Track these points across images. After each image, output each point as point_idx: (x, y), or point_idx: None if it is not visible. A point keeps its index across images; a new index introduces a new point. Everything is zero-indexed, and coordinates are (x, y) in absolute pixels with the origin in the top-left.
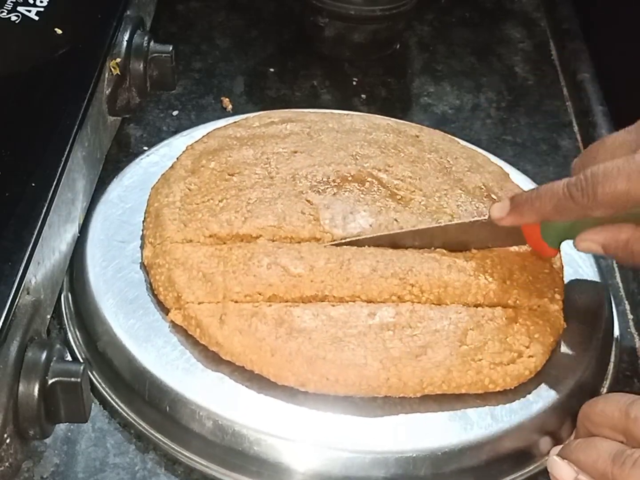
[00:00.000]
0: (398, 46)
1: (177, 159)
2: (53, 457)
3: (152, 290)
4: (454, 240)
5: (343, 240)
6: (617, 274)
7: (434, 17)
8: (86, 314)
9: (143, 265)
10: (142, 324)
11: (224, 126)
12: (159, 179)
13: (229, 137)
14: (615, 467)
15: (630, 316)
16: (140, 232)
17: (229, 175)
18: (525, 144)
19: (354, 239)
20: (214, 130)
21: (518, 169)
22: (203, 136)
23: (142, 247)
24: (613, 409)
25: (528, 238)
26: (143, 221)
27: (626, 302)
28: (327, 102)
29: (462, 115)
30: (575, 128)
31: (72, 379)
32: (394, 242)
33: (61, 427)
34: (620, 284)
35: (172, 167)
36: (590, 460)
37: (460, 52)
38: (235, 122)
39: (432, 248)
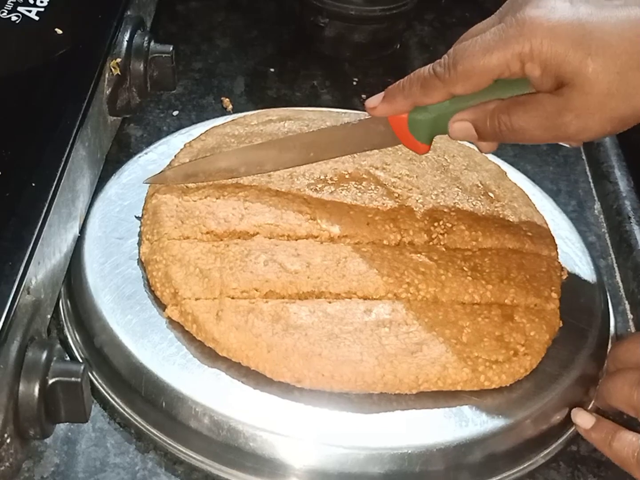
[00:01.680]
0: (398, 46)
1: (175, 156)
2: (53, 457)
3: (149, 286)
4: (328, 148)
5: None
6: (617, 274)
7: (434, 17)
8: (83, 310)
9: (140, 262)
10: (139, 320)
11: (222, 124)
12: None
13: (226, 135)
14: (639, 393)
15: (630, 316)
16: (138, 229)
17: None
18: (525, 144)
19: None
20: (212, 128)
21: (518, 169)
22: (201, 134)
23: (139, 243)
24: (637, 346)
25: (399, 134)
26: (141, 218)
27: (626, 302)
28: (328, 102)
29: None
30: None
31: (73, 379)
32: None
33: (61, 427)
34: (621, 284)
35: (170, 164)
36: (618, 387)
37: None
38: (233, 120)
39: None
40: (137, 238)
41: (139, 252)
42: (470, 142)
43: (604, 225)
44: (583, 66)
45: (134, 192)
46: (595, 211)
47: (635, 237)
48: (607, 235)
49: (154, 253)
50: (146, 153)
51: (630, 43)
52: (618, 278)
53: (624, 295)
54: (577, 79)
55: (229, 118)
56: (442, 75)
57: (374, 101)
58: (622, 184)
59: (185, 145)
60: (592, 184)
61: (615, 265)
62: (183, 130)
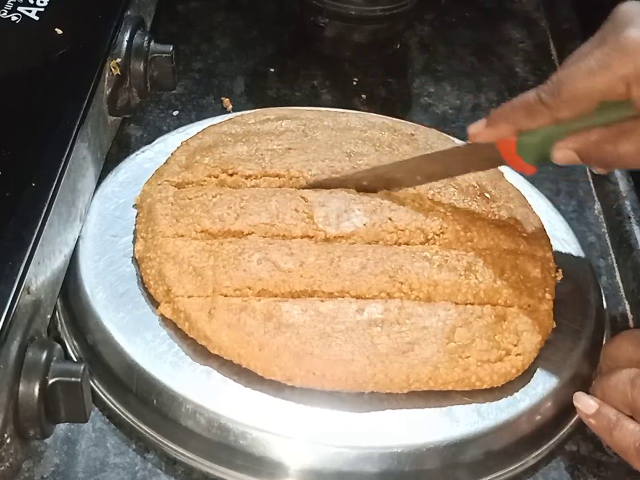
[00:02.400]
0: (398, 46)
1: (172, 154)
2: (53, 457)
3: (142, 284)
4: (436, 168)
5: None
6: (617, 274)
7: (434, 17)
8: (77, 308)
9: (134, 259)
10: (131, 317)
11: (219, 123)
12: (153, 174)
13: (223, 134)
14: (634, 389)
15: (630, 316)
16: (133, 227)
17: (223, 171)
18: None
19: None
20: (209, 126)
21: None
22: (198, 132)
23: (134, 241)
24: (628, 343)
25: (506, 157)
26: (136, 216)
27: (626, 302)
28: (328, 102)
29: (463, 115)
30: None
31: (73, 379)
32: (381, 175)
33: (61, 427)
34: (621, 284)
35: (166, 162)
36: (612, 385)
37: (461, 52)
38: (230, 118)
39: (417, 179)
40: (132, 236)
41: (133, 250)
42: None
43: (604, 225)
44: None
45: (130, 190)
46: (595, 211)
47: (635, 237)
48: (607, 235)
49: (148, 251)
50: (143, 151)
51: None
52: (618, 278)
53: (624, 295)
54: None
55: (225, 116)
56: (547, 101)
57: (476, 127)
58: (622, 184)
59: (182, 143)
60: (592, 184)
61: (615, 265)
62: (180, 129)
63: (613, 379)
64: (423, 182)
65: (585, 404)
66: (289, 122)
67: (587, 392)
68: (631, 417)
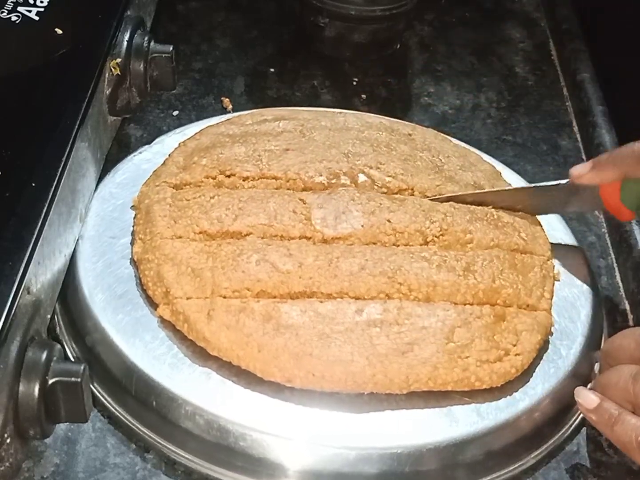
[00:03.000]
0: (398, 46)
1: (169, 155)
2: (53, 457)
3: (141, 285)
4: (535, 202)
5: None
6: (617, 274)
7: (434, 17)
8: (75, 309)
9: (133, 261)
10: (130, 319)
11: (217, 123)
12: (150, 176)
13: (221, 135)
14: (636, 384)
15: (630, 316)
16: (131, 228)
17: (220, 172)
18: (525, 144)
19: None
20: (207, 127)
21: (518, 169)
22: (195, 133)
23: (132, 243)
24: (629, 341)
25: (606, 201)
26: (134, 217)
27: (626, 302)
28: (328, 102)
29: (463, 115)
30: (575, 128)
31: (73, 379)
32: (476, 202)
33: (61, 427)
34: (621, 284)
35: (164, 163)
36: (613, 382)
37: (461, 52)
38: (228, 119)
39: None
40: (130, 237)
41: (132, 252)
42: (473, 144)
43: (604, 225)
44: None
45: (127, 191)
46: (595, 211)
47: (635, 237)
48: (607, 235)
49: (146, 252)
50: (140, 152)
51: None
52: (618, 278)
53: (624, 295)
54: None
55: (222, 117)
56: None
57: (580, 170)
58: None
59: (179, 144)
60: None
61: (615, 265)
62: (178, 130)
63: (614, 376)
64: (525, 212)
65: (587, 398)
66: (286, 122)
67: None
68: (633, 413)
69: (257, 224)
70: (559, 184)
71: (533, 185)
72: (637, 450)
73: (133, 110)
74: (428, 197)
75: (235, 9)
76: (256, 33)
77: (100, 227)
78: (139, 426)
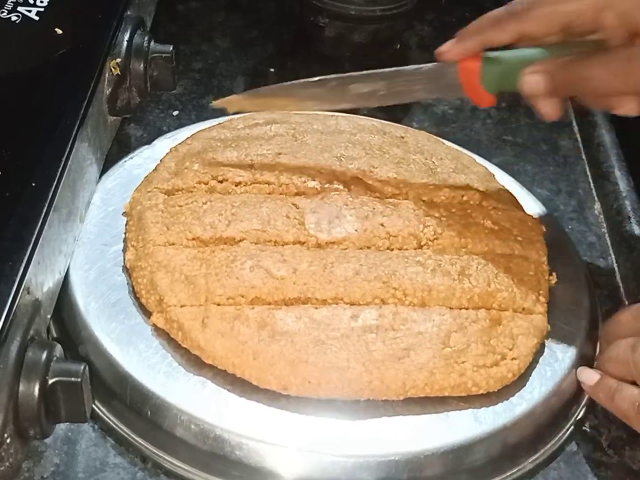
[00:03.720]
0: (398, 46)
1: (161, 161)
2: (53, 457)
3: (134, 293)
4: (397, 88)
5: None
6: (617, 274)
7: (434, 17)
8: (68, 318)
9: (125, 268)
10: (124, 327)
11: (208, 128)
12: (142, 182)
13: (212, 139)
14: (634, 353)
15: None
16: (123, 235)
17: (213, 177)
18: (525, 144)
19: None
20: (198, 132)
21: (518, 169)
22: (187, 138)
23: (124, 250)
24: (627, 316)
25: (466, 85)
26: (126, 224)
27: (626, 302)
28: None
29: (463, 115)
30: (575, 128)
31: (73, 379)
32: (342, 85)
33: (61, 427)
34: (620, 284)
35: (155, 169)
36: (613, 355)
37: None
38: (219, 123)
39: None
40: (122, 244)
41: (124, 259)
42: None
43: (604, 225)
44: None
45: (119, 197)
46: (595, 211)
47: (636, 237)
48: (607, 235)
49: (139, 260)
50: (131, 157)
51: None
52: (618, 278)
53: (624, 295)
54: None
55: (214, 121)
56: (515, 12)
57: (445, 46)
58: (622, 184)
59: (170, 149)
60: (592, 184)
61: (615, 265)
62: (169, 135)
63: (613, 349)
64: (384, 101)
65: (588, 375)
66: (278, 126)
67: (577, 397)
68: (634, 384)
69: (251, 229)
70: (420, 67)
71: (392, 69)
72: (636, 416)
73: (133, 110)
74: (424, 200)
75: (235, 9)
76: (256, 33)
77: (91, 234)
78: (134, 436)
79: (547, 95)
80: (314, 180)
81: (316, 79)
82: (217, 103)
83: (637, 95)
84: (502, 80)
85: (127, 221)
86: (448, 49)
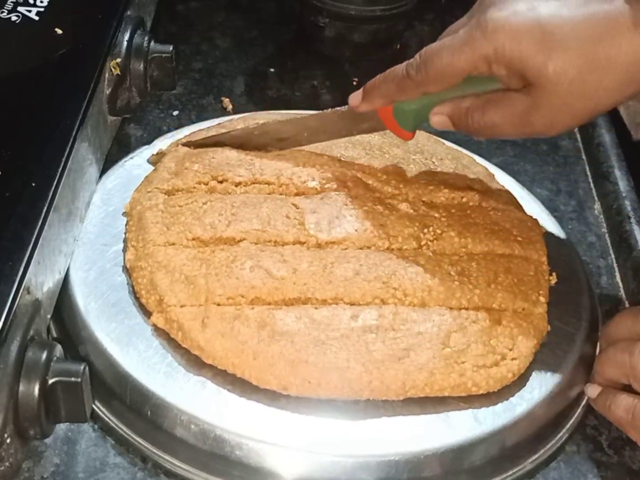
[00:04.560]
0: (398, 46)
1: (161, 161)
2: (53, 457)
3: (134, 293)
4: (320, 131)
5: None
6: (617, 274)
7: (434, 17)
8: (68, 318)
9: (125, 269)
10: (124, 327)
11: (207, 128)
12: (142, 182)
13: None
14: (632, 357)
15: None
16: (123, 235)
17: (213, 178)
18: (526, 144)
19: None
20: (198, 131)
21: (518, 169)
22: (185, 136)
23: (124, 250)
24: (626, 319)
25: (386, 122)
26: (126, 224)
27: (626, 302)
28: (327, 102)
29: None
30: (576, 128)
31: (73, 379)
32: (270, 130)
33: (61, 427)
34: (621, 284)
35: (155, 169)
36: (611, 357)
37: None
38: (219, 123)
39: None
40: (122, 244)
41: (124, 259)
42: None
43: (604, 225)
44: (544, 68)
45: (119, 197)
46: (595, 211)
47: (635, 237)
48: (607, 235)
49: (139, 260)
50: (131, 158)
51: (588, 43)
52: (618, 278)
53: (624, 295)
54: (540, 79)
55: (214, 121)
56: (414, 76)
57: (354, 99)
58: (622, 184)
59: (171, 146)
60: (592, 184)
61: (615, 265)
62: (168, 134)
63: (611, 352)
64: (309, 142)
65: (590, 390)
66: None
67: (578, 398)
68: (631, 387)
69: (251, 229)
70: (338, 110)
71: (313, 113)
72: (631, 424)
73: (133, 110)
74: (424, 200)
75: (235, 9)
76: (256, 33)
77: (91, 234)
78: (134, 436)
79: (454, 129)
80: (314, 181)
81: (239, 128)
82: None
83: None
84: (415, 120)
85: (127, 221)
86: (357, 104)
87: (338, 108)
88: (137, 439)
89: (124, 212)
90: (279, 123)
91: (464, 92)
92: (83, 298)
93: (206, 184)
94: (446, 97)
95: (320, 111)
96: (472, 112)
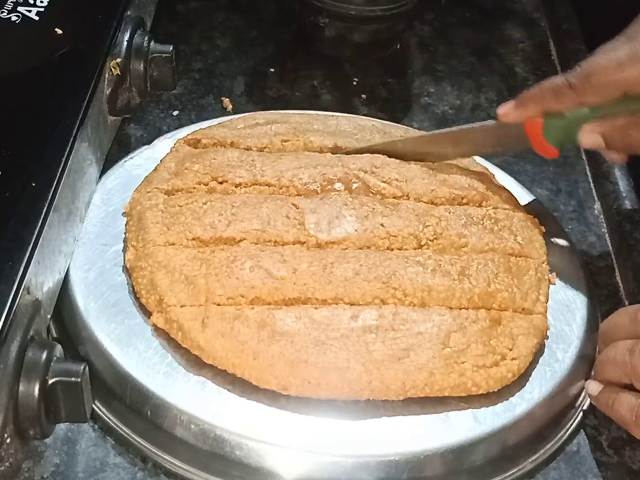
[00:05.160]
0: (398, 46)
1: (161, 161)
2: (53, 457)
3: (134, 293)
4: (464, 146)
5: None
6: (617, 274)
7: (434, 17)
8: (68, 318)
9: (125, 269)
10: (124, 327)
11: (208, 127)
12: (142, 182)
13: None
14: (632, 356)
15: None
16: (123, 235)
17: (213, 178)
18: None
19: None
20: (198, 130)
21: (518, 169)
22: (187, 135)
23: (124, 250)
24: (623, 318)
25: (531, 138)
26: (126, 224)
27: (626, 302)
28: (327, 102)
29: (463, 115)
30: None
31: (73, 379)
32: (411, 149)
33: (61, 427)
34: (620, 284)
35: (155, 169)
36: (611, 357)
37: (461, 52)
38: (219, 123)
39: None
40: (122, 244)
41: (124, 259)
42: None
43: (604, 225)
44: None
45: (118, 197)
46: (595, 211)
47: (635, 237)
48: (607, 235)
49: (139, 260)
50: (131, 157)
51: None
52: (618, 278)
53: (624, 295)
54: None
55: (214, 120)
56: (575, 85)
57: (505, 108)
58: (622, 184)
59: (171, 149)
60: (592, 184)
61: (615, 265)
62: (169, 134)
63: (611, 352)
64: (454, 157)
65: (592, 387)
66: (278, 126)
67: (577, 397)
68: (632, 387)
69: (251, 229)
70: (485, 125)
71: (457, 128)
72: (634, 422)
73: (133, 110)
74: (424, 200)
75: (235, 9)
76: (256, 33)
77: (91, 234)
78: (134, 436)
79: (606, 149)
80: (314, 182)
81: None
82: None
83: None
84: (563, 136)
85: (127, 221)
86: (507, 112)
87: (483, 123)
88: (137, 439)
89: (123, 212)
90: (423, 137)
91: (620, 111)
92: (83, 298)
93: (206, 185)
94: (599, 113)
95: (465, 126)
96: (627, 129)
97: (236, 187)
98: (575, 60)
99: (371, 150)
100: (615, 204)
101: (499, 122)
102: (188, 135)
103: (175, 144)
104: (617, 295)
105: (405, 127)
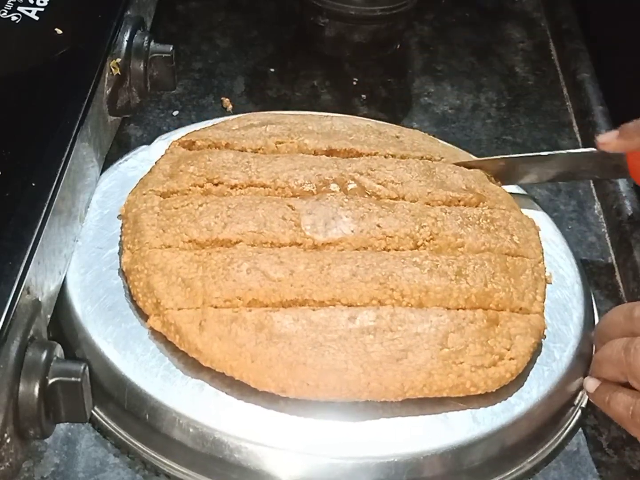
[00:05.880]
0: (398, 46)
1: (156, 163)
2: (53, 457)
3: (131, 296)
4: (564, 169)
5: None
6: (617, 274)
7: (434, 17)
8: (64, 322)
9: (122, 272)
10: (121, 330)
11: (203, 129)
12: (137, 184)
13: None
14: (628, 354)
15: None
16: (119, 238)
17: (208, 180)
18: (525, 144)
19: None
20: (192, 132)
21: None
22: (182, 137)
23: (120, 253)
24: (619, 316)
25: (632, 168)
26: (121, 227)
27: (626, 302)
28: (327, 102)
29: (463, 115)
30: (575, 128)
31: (73, 379)
32: (507, 169)
33: (61, 427)
34: (620, 284)
35: (150, 171)
36: (607, 355)
37: (461, 52)
38: (214, 124)
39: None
40: (118, 247)
41: (120, 262)
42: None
43: (604, 225)
44: None
45: (114, 200)
46: (595, 211)
47: (635, 237)
48: (607, 235)
49: (135, 262)
50: (126, 160)
51: None
52: (618, 278)
53: (624, 295)
54: None
55: (209, 122)
56: None
57: (607, 138)
58: (622, 184)
59: (165, 151)
60: (592, 184)
61: (615, 265)
62: (164, 136)
63: (607, 350)
64: (549, 181)
65: (589, 383)
66: (273, 127)
67: (575, 396)
68: (628, 384)
69: (247, 231)
70: (586, 151)
71: (559, 152)
72: (630, 420)
73: (133, 110)
74: (420, 200)
75: (235, 9)
76: (256, 33)
77: (87, 237)
78: (132, 440)
79: None
80: (310, 183)
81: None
82: None
83: None
84: None
85: (122, 224)
86: (609, 141)
87: (583, 150)
88: (136, 442)
89: (119, 215)
90: (519, 159)
91: None
92: (79, 301)
93: (201, 187)
94: None
95: (562, 151)
96: None
97: (232, 188)
98: (575, 60)
99: (467, 165)
100: (615, 204)
101: (598, 150)
102: (182, 137)
103: (169, 146)
104: (617, 295)
105: (400, 127)
